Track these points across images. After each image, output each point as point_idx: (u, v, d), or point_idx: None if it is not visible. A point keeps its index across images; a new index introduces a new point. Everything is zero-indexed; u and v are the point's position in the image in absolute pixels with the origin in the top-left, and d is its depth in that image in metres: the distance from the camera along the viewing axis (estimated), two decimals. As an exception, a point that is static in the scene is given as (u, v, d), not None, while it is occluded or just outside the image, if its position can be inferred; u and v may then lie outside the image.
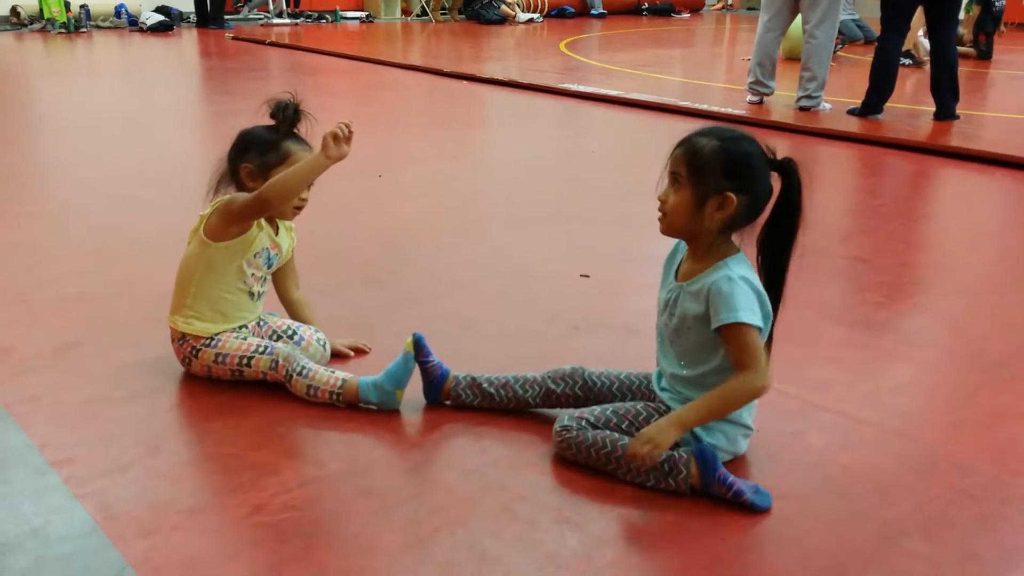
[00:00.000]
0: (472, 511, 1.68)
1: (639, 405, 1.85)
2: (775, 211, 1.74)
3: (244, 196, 2.05)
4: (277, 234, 2.17)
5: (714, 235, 1.75)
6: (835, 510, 1.71)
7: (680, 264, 1.85)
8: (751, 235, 1.79)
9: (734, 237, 1.79)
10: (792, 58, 7.80)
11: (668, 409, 1.81)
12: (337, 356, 2.30)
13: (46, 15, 11.24)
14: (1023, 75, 8.59)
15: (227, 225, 2.07)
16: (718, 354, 1.76)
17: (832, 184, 4.68)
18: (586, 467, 1.79)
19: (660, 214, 1.77)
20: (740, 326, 1.68)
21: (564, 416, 1.83)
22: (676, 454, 1.72)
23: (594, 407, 1.85)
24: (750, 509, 1.69)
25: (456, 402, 2.04)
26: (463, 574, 1.51)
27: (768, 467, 1.83)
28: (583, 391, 1.97)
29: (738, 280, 1.70)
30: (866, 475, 1.82)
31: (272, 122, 2.11)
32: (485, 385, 2.01)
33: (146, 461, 1.82)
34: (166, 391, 2.12)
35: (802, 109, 5.93)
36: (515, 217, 3.71)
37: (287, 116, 2.10)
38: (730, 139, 1.72)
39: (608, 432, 1.78)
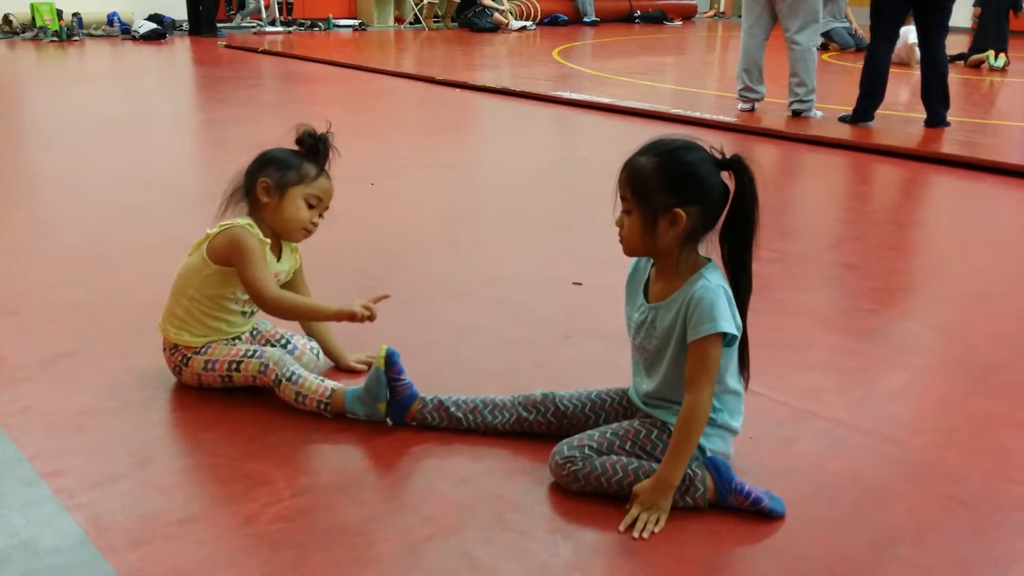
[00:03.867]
0: (465, 520, 1.67)
1: (635, 423, 1.80)
2: (730, 211, 1.69)
3: (254, 272, 2.03)
4: (279, 259, 2.15)
5: (677, 251, 1.70)
6: (827, 517, 1.71)
7: (648, 283, 1.80)
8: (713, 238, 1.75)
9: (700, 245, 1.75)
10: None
11: (664, 423, 1.78)
12: (350, 372, 2.27)
13: (38, 23, 11.23)
14: (1013, 82, 8.63)
15: (230, 261, 2.06)
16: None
17: (823, 191, 4.70)
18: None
19: (619, 239, 1.73)
20: (717, 337, 1.65)
21: (563, 447, 1.76)
22: (689, 471, 1.70)
23: (592, 432, 1.79)
24: (768, 516, 1.69)
25: (422, 424, 1.99)
26: (455, 584, 1.51)
27: (760, 474, 1.83)
28: (555, 417, 1.93)
29: (717, 289, 1.67)
30: (858, 482, 1.83)
31: (297, 148, 2.12)
32: (453, 409, 1.97)
33: (137, 472, 1.82)
34: (158, 401, 2.11)
35: (795, 114, 5.98)
36: (508, 225, 3.71)
37: (314, 147, 2.10)
38: (668, 152, 1.66)
39: (615, 457, 1.74)
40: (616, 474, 1.72)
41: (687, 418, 1.67)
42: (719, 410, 1.76)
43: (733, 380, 1.77)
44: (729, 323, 1.65)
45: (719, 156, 1.68)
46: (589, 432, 1.80)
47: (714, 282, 1.68)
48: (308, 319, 2.21)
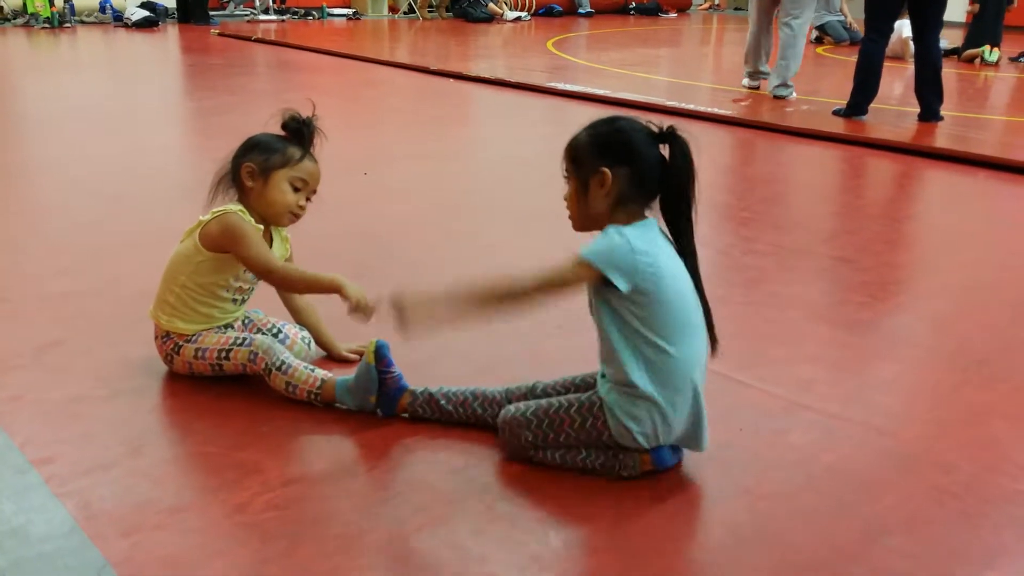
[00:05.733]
0: (455, 511, 1.68)
1: (572, 410, 1.79)
2: (665, 178, 1.74)
3: (255, 250, 2.02)
4: (271, 248, 2.14)
5: (608, 216, 1.75)
6: (818, 508, 1.71)
7: None
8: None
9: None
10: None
11: (601, 403, 1.77)
12: (342, 361, 2.27)
13: (30, 10, 11.17)
14: (1007, 77, 8.65)
15: (226, 248, 2.05)
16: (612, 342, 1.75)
17: (816, 185, 4.70)
18: (564, 466, 1.80)
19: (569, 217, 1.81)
20: (583, 262, 1.68)
21: (507, 434, 1.82)
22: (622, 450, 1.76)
23: (530, 417, 1.80)
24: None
25: (413, 416, 1.99)
26: (446, 574, 1.51)
27: (751, 466, 1.84)
28: None
29: (609, 231, 1.71)
30: (849, 473, 1.83)
31: (283, 133, 2.11)
32: (443, 402, 1.97)
33: (128, 460, 1.81)
34: (149, 390, 2.10)
35: (776, 97, 6.40)
36: (501, 215, 3.71)
37: (299, 131, 2.10)
38: (601, 123, 1.77)
39: (552, 451, 1.80)
40: (556, 461, 1.80)
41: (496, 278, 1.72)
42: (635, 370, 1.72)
43: (651, 335, 1.71)
44: (596, 255, 1.67)
45: (655, 129, 1.75)
46: (528, 417, 1.81)
47: (612, 229, 1.71)
48: (311, 291, 2.14)
